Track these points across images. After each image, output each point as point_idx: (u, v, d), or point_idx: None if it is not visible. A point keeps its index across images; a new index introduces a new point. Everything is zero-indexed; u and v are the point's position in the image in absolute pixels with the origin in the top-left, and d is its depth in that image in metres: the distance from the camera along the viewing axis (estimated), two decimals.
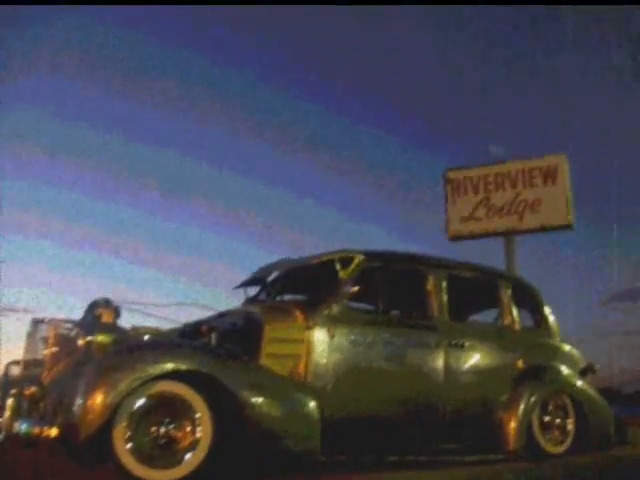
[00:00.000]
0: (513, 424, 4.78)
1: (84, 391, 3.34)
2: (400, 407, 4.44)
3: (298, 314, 4.24)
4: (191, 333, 4.42)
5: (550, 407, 5.09)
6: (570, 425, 5.14)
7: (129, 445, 3.36)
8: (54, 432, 3.39)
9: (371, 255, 4.64)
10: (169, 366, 3.50)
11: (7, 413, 3.80)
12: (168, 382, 3.52)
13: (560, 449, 5.01)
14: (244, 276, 5.63)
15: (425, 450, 4.52)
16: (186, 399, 3.55)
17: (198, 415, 3.55)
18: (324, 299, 4.38)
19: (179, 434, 3.53)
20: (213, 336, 4.08)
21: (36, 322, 4.46)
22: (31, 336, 4.48)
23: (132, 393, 3.38)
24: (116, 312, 4.45)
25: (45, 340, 4.28)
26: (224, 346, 4.05)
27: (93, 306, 4.47)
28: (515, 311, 5.31)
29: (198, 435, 3.53)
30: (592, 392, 5.44)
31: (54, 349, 4.14)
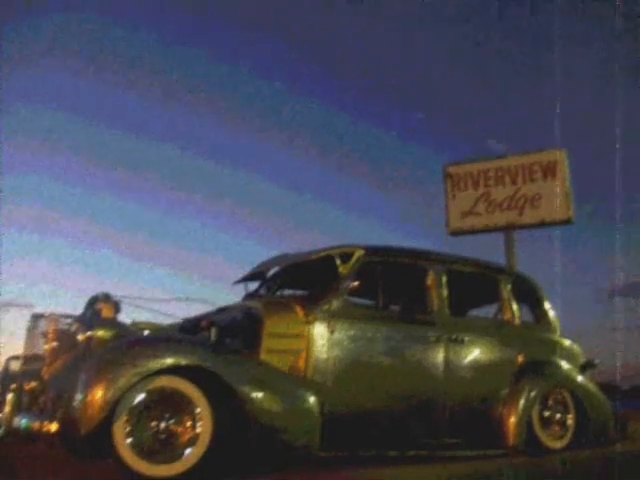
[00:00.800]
0: (513, 419, 4.78)
1: (84, 386, 3.34)
2: (400, 402, 4.44)
3: (298, 309, 4.24)
4: (191, 328, 4.43)
5: (550, 402, 5.09)
6: (570, 420, 5.14)
7: (129, 440, 3.36)
8: (54, 427, 3.39)
9: (371, 250, 4.64)
10: (169, 361, 3.51)
11: (7, 408, 3.82)
12: (168, 377, 3.53)
13: (560, 444, 5.01)
14: (244, 271, 5.64)
15: (425, 445, 4.52)
16: (186, 394, 3.55)
17: (198, 410, 3.55)
18: (324, 294, 4.38)
19: (179, 429, 3.53)
20: (213, 331, 4.06)
21: (36, 317, 4.46)
22: (31, 331, 4.48)
23: (132, 388, 3.39)
24: (116, 307, 4.43)
25: (45, 335, 4.28)
26: (224, 341, 4.05)
27: (93, 301, 4.46)
28: (515, 306, 5.31)
29: (198, 430, 3.53)
30: (592, 387, 5.44)
31: (54, 344, 4.14)
